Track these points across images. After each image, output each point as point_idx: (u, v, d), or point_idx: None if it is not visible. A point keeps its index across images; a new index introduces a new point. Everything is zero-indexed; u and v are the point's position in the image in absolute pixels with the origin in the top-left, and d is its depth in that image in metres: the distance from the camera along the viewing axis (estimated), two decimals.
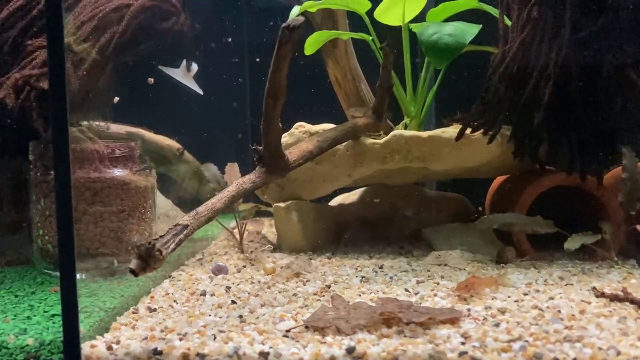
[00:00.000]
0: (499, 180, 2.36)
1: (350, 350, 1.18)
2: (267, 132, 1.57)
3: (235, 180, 2.20)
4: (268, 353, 1.18)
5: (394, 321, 1.32)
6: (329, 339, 1.24)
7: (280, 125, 1.58)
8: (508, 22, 1.93)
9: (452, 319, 1.34)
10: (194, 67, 2.24)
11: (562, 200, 1.98)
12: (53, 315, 1.39)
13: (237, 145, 3.09)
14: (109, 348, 1.23)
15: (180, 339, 1.26)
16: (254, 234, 2.38)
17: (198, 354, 1.20)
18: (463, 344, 1.20)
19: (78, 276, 1.69)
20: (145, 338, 1.28)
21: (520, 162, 1.97)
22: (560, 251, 1.99)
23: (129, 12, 1.72)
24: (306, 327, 1.31)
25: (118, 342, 1.26)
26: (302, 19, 1.39)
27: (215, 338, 1.26)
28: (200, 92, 2.28)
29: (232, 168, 2.25)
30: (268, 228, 2.54)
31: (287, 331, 1.29)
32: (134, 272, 1.24)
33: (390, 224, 2.32)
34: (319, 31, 2.13)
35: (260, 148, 1.62)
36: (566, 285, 1.62)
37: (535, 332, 1.25)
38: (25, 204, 1.75)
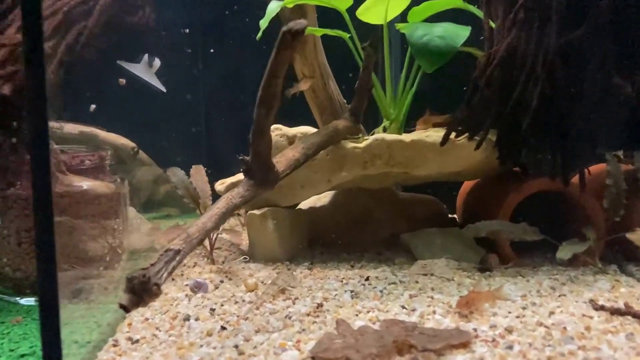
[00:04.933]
0: (469, 183, 2.33)
1: None
2: (257, 143, 1.44)
3: (202, 183, 2.07)
4: None
5: (405, 347, 1.25)
6: None
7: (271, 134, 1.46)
8: (492, 24, 1.88)
9: (464, 343, 1.28)
10: (157, 62, 2.06)
11: (540, 204, 1.97)
12: (23, 356, 1.22)
13: (192, 140, 2.94)
14: None
15: None
16: (222, 241, 2.24)
17: None
18: None
19: (33, 300, 1.52)
20: None
21: (502, 166, 1.94)
22: (540, 256, 1.99)
23: (97, 5, 1.53)
24: (313, 358, 1.22)
25: None
26: (304, 22, 1.27)
27: None
28: (163, 88, 2.11)
29: (198, 171, 2.09)
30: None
31: None
32: (126, 309, 1.10)
33: (364, 227, 2.25)
34: None
35: (247, 158, 1.49)
36: (560, 296, 1.60)
37: (552, 356, 1.21)
38: None
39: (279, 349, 1.27)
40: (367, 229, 2.24)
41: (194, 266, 1.97)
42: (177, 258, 1.22)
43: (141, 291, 1.10)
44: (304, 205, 2.33)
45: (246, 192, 1.46)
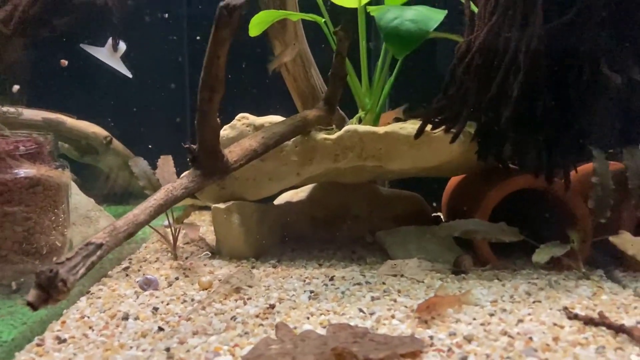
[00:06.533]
0: (456, 178, 2.20)
1: None
2: (202, 129, 1.34)
3: (168, 174, 1.97)
4: None
5: (346, 355, 1.13)
6: None
7: (219, 120, 1.35)
8: (474, 8, 1.75)
9: (414, 352, 1.17)
10: (122, 46, 1.96)
11: (523, 203, 1.84)
12: None
13: (173, 133, 2.84)
14: None
15: None
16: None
17: None
18: None
19: None
20: None
21: (480, 161, 1.81)
22: (522, 258, 1.86)
23: None
24: None
25: None
26: None
27: None
28: (129, 74, 2.01)
29: (165, 162, 1.99)
30: (207, 227, 2.31)
31: None
32: (33, 306, 1.01)
33: (341, 224, 2.13)
34: (266, 10, 1.89)
35: (194, 147, 1.39)
36: (534, 302, 1.47)
37: None
38: None
39: (212, 354, 1.17)
40: (345, 225, 2.13)
41: (156, 261, 1.88)
42: (98, 253, 1.12)
43: (48, 287, 1.01)
44: (281, 199, 2.22)
45: (191, 183, 1.36)
